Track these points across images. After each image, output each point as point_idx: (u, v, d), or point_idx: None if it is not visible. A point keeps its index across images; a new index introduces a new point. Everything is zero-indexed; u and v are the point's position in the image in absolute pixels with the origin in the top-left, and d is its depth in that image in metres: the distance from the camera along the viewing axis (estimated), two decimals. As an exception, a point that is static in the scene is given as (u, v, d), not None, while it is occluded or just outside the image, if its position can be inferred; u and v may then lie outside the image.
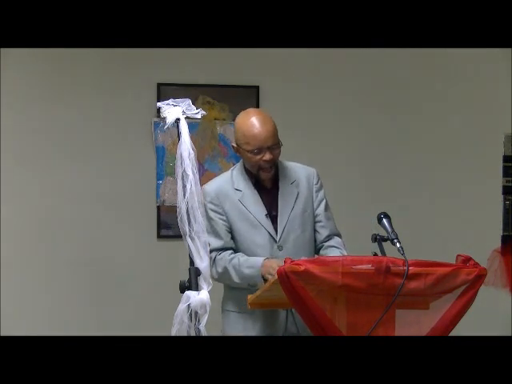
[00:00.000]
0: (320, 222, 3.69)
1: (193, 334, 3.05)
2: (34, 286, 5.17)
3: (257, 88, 5.43)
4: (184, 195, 3.11)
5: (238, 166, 3.70)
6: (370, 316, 3.10)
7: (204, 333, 3.06)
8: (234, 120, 5.35)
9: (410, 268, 3.09)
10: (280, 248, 3.60)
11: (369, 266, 3.12)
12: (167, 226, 5.32)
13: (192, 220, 3.10)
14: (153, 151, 5.32)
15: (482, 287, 3.20)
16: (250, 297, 3.39)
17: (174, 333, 3.07)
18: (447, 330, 3.18)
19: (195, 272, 3.10)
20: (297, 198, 3.65)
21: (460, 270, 3.16)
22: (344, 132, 5.56)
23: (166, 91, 5.21)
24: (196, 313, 3.05)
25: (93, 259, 5.22)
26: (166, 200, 5.32)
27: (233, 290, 3.65)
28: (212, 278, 3.57)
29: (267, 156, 3.54)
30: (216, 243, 3.61)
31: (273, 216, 3.63)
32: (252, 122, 3.55)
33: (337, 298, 3.13)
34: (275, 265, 3.37)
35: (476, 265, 3.19)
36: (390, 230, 3.36)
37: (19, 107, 5.16)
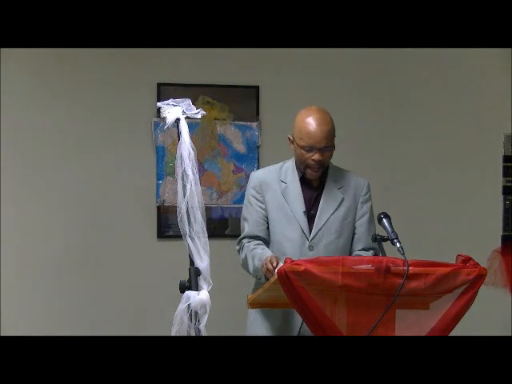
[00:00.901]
0: (357, 234, 3.68)
1: (193, 334, 3.05)
2: (34, 286, 5.17)
3: (257, 88, 5.43)
4: (184, 195, 3.11)
5: (291, 160, 3.71)
6: (370, 316, 3.10)
7: (204, 333, 3.06)
8: (234, 120, 5.43)
9: (410, 268, 3.09)
10: (311, 248, 3.59)
11: (369, 266, 3.12)
12: (167, 225, 5.32)
13: (192, 220, 3.10)
14: (153, 151, 5.32)
15: (482, 287, 3.20)
16: (249, 296, 3.40)
17: (173, 333, 3.07)
18: (447, 330, 3.18)
19: (195, 272, 3.10)
20: (340, 204, 3.64)
21: (460, 269, 3.17)
22: (344, 132, 5.53)
23: (165, 91, 5.21)
24: (196, 313, 3.05)
25: (93, 259, 5.22)
26: (166, 200, 5.32)
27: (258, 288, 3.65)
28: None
29: (316, 156, 3.55)
30: (248, 230, 3.65)
31: (311, 215, 3.62)
32: (310, 119, 3.58)
33: (337, 298, 3.13)
34: (272, 257, 3.38)
35: (476, 265, 3.19)
36: (390, 230, 3.36)
37: (19, 107, 5.16)
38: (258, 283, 3.62)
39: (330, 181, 3.67)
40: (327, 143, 3.56)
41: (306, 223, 3.61)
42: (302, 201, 3.63)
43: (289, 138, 3.67)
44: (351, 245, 3.68)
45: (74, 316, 5.18)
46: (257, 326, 3.64)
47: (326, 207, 3.63)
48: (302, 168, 3.62)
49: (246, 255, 3.61)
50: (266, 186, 3.66)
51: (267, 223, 3.66)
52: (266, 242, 3.66)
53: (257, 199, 3.66)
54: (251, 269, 3.58)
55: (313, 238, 3.60)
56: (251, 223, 3.65)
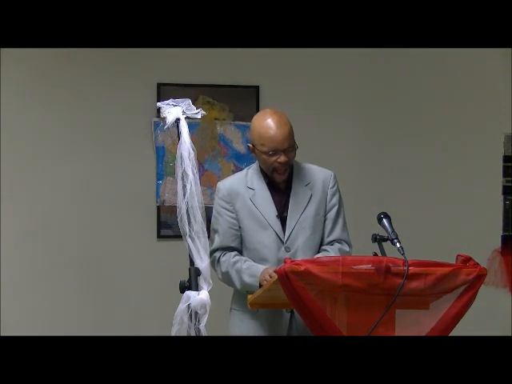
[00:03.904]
0: (327, 225, 3.66)
1: (193, 334, 3.05)
2: (34, 285, 5.17)
3: (257, 88, 5.43)
4: (184, 195, 3.11)
5: (255, 165, 3.68)
6: (370, 316, 3.10)
7: (204, 333, 3.06)
8: (234, 120, 5.44)
9: (410, 268, 3.09)
10: (287, 249, 3.57)
11: (369, 266, 3.12)
12: (167, 225, 5.32)
13: (192, 220, 3.10)
14: (153, 151, 5.32)
15: (482, 287, 3.20)
16: (249, 297, 3.39)
17: (173, 333, 3.07)
18: (447, 330, 3.18)
19: (195, 272, 3.11)
20: (309, 201, 3.62)
21: (460, 269, 3.17)
22: (344, 132, 5.56)
23: (166, 91, 5.21)
24: (196, 313, 3.06)
25: (93, 259, 5.22)
26: (166, 200, 5.32)
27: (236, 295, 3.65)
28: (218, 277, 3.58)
29: (282, 158, 3.52)
30: (220, 242, 3.61)
31: (284, 217, 3.60)
32: (268, 123, 3.52)
33: (337, 298, 3.13)
34: (271, 271, 3.37)
35: (476, 265, 3.19)
36: (390, 230, 3.36)
37: (19, 107, 5.16)
38: (236, 289, 3.62)
39: (297, 179, 3.64)
40: (290, 143, 3.53)
41: (280, 227, 3.59)
42: (273, 205, 3.60)
43: (249, 147, 3.63)
44: (322, 238, 3.66)
45: (73, 316, 5.18)
46: (241, 328, 3.63)
47: (296, 207, 3.60)
48: (269, 172, 3.58)
49: (226, 270, 3.57)
50: (234, 195, 3.61)
51: (239, 232, 3.62)
52: (239, 251, 3.63)
53: (226, 209, 3.61)
54: (239, 284, 3.54)
55: (288, 239, 3.58)
56: (222, 234, 3.61)
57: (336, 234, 3.66)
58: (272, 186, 3.62)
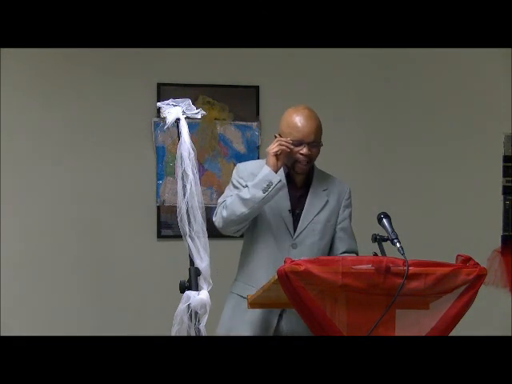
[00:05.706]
0: (340, 237, 3.67)
1: (193, 334, 3.05)
2: (34, 285, 5.17)
3: (257, 88, 5.43)
4: (184, 195, 3.11)
5: None
6: (370, 316, 3.10)
7: (204, 333, 3.06)
8: (234, 120, 5.44)
9: (410, 268, 3.10)
10: (294, 246, 3.58)
11: (369, 266, 3.12)
12: (167, 225, 5.32)
13: (192, 220, 3.10)
14: (153, 151, 5.32)
15: (482, 287, 3.20)
16: (249, 296, 3.39)
17: (173, 333, 3.07)
18: (447, 330, 3.18)
19: (195, 272, 3.11)
20: (325, 206, 3.64)
21: (460, 269, 3.17)
22: (344, 132, 5.55)
23: (166, 91, 5.21)
24: (196, 313, 3.06)
25: (93, 259, 5.22)
26: (166, 200, 5.32)
27: (242, 275, 3.64)
28: (218, 226, 3.52)
29: (305, 150, 3.54)
30: (230, 194, 3.56)
31: (296, 214, 3.61)
32: (299, 115, 3.60)
33: (337, 298, 3.14)
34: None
35: (476, 265, 3.20)
36: (390, 230, 3.37)
37: (19, 107, 5.16)
38: (239, 274, 3.64)
39: (315, 182, 3.66)
40: (316, 138, 3.57)
41: (291, 221, 3.60)
42: (288, 198, 3.61)
43: (275, 137, 3.64)
44: (333, 247, 3.67)
45: (73, 316, 5.18)
46: (234, 322, 3.62)
47: (311, 207, 3.62)
48: (289, 163, 3.59)
49: (231, 202, 3.49)
50: (253, 178, 3.58)
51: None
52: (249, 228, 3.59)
53: (244, 186, 3.55)
54: (249, 197, 3.46)
55: (297, 237, 3.59)
56: (233, 191, 3.57)
57: (349, 245, 3.68)
58: (290, 180, 3.64)
